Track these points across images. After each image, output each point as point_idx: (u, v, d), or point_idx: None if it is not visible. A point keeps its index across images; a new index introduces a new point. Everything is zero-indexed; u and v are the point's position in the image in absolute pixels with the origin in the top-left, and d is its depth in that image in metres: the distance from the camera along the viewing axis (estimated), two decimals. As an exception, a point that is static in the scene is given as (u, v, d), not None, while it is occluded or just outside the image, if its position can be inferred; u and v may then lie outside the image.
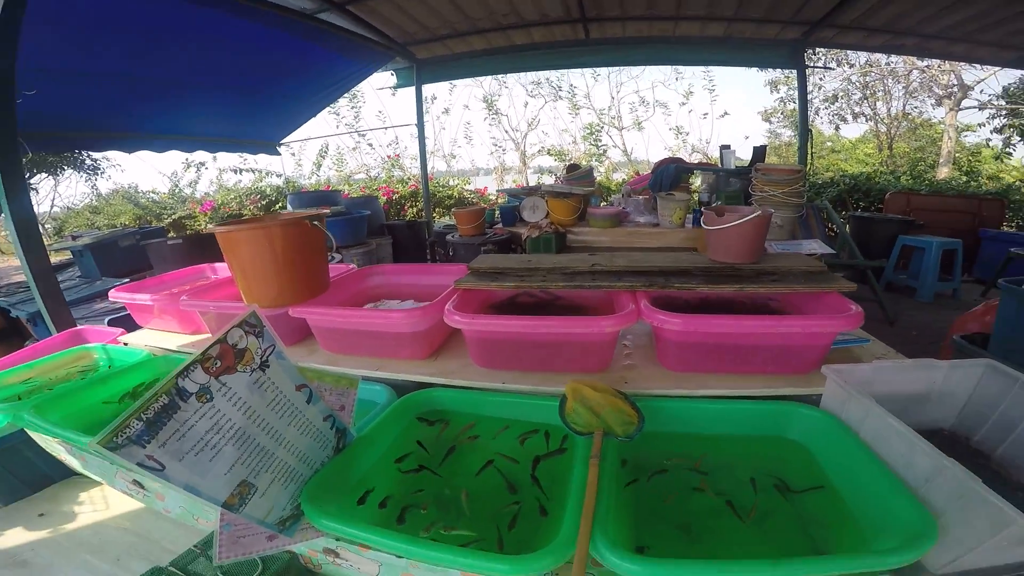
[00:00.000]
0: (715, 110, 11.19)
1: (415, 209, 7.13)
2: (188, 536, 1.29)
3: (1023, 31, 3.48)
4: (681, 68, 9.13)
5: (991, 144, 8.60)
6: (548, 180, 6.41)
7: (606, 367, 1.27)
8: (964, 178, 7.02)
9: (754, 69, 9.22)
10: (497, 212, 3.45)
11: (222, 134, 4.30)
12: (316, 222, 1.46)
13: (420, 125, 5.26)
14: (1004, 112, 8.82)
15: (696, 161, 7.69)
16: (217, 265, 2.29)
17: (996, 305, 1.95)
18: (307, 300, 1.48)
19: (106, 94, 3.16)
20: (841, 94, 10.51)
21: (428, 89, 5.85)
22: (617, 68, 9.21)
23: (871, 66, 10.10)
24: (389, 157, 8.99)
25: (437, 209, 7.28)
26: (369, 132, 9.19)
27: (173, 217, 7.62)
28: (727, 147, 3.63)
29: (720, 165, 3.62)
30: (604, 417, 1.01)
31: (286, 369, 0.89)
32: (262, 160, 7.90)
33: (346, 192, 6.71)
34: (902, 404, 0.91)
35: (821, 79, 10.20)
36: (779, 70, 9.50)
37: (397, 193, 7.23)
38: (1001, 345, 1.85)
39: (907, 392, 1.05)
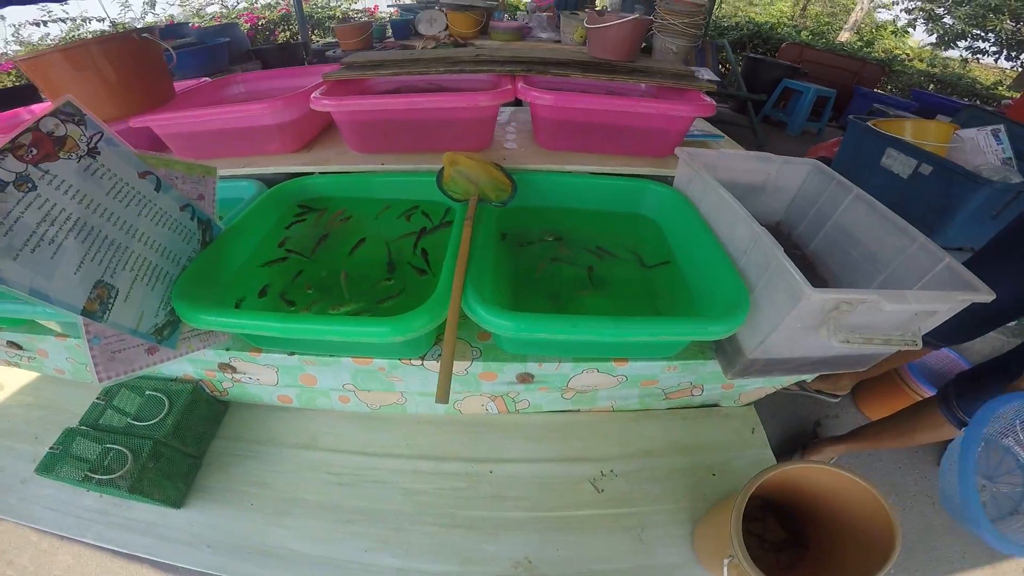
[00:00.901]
0: (636, -60, 10.05)
1: (288, 34, 6.06)
2: (93, 395, 1.22)
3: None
4: None
5: (897, 22, 8.77)
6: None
7: (486, 146, 1.29)
8: (860, 43, 7.28)
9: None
10: (388, 27, 3.02)
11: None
12: (146, 34, 1.30)
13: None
14: (923, -6, 8.82)
15: (605, -14, 7.17)
16: (36, 107, 1.84)
17: (844, 138, 2.20)
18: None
19: None
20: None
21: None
22: None
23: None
24: (250, -18, 7.26)
25: (317, 31, 6.27)
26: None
27: (-43, 85, 5.73)
28: (637, -27, 3.39)
29: (629, -9, 3.43)
30: (481, 186, 1.04)
31: (122, 155, 0.79)
32: (75, 7, 6.05)
33: (196, 24, 5.46)
34: (741, 194, 0.97)
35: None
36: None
37: (264, 19, 6.00)
38: (837, 166, 2.14)
39: (746, 182, 1.16)
